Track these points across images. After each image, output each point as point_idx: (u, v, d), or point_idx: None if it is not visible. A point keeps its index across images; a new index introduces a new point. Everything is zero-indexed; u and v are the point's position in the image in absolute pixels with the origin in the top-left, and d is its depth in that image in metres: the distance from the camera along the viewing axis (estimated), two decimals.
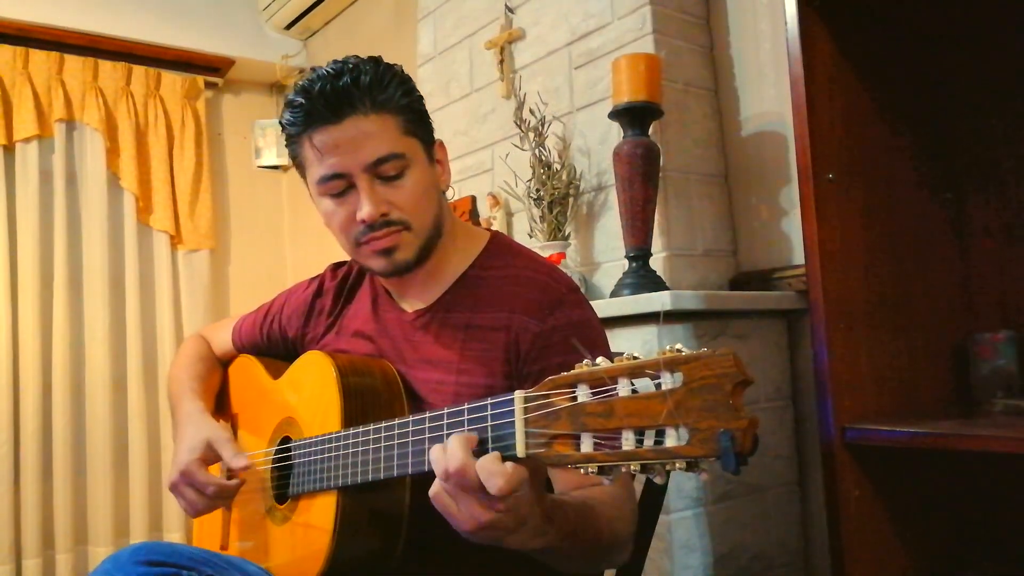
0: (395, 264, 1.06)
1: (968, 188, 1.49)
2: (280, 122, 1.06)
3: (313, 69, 1.02)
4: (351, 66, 1.00)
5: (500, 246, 1.16)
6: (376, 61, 1.03)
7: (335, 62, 1.01)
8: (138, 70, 3.38)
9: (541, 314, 1.03)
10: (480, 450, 0.75)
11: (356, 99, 0.99)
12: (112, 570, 0.95)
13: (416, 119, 1.06)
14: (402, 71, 1.06)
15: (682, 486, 1.65)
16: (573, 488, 0.96)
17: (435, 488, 0.77)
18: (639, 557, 1.15)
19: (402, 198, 1.03)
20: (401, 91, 1.03)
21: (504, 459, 0.72)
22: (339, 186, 1.03)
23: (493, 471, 0.71)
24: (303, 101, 1.00)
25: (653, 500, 1.18)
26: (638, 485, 1.15)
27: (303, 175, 1.09)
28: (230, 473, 1.13)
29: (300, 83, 1.02)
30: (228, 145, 3.77)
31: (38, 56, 3.14)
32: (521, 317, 1.03)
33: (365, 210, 1.01)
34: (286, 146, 1.08)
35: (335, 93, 0.98)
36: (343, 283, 1.26)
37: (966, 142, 1.49)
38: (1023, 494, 1.41)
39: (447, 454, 0.74)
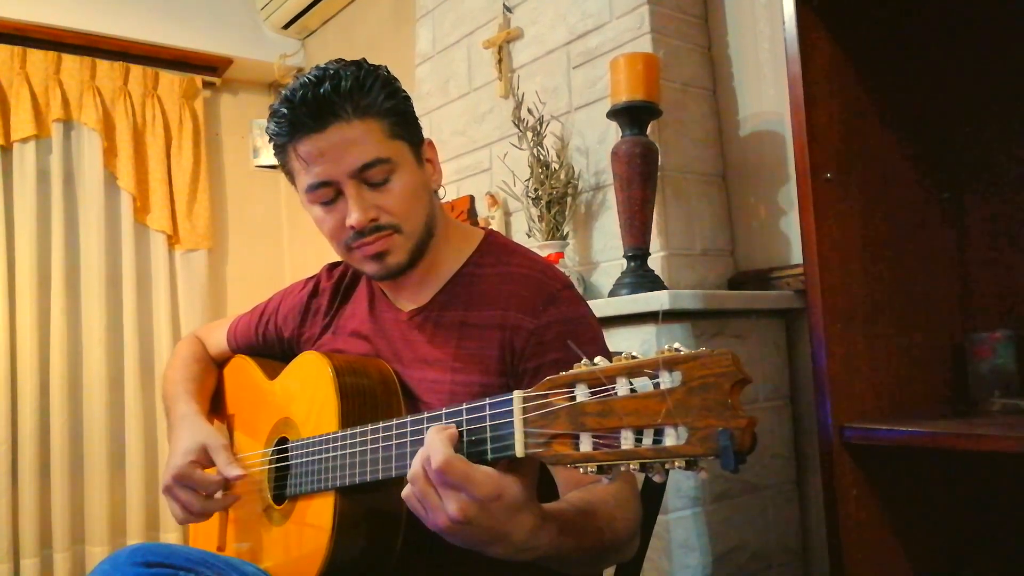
0: (387, 268, 1.06)
1: (966, 187, 1.49)
2: (267, 131, 1.05)
3: (297, 77, 1.02)
4: (332, 72, 0.99)
5: (494, 244, 1.16)
6: (358, 65, 1.02)
7: (317, 68, 1.01)
8: (136, 70, 3.38)
9: (535, 311, 1.02)
10: (475, 451, 0.75)
11: (338, 106, 0.98)
12: (110, 571, 0.95)
13: (402, 121, 1.05)
14: (386, 72, 1.05)
15: (680, 485, 1.65)
16: (574, 486, 0.96)
17: (406, 489, 0.77)
18: (638, 556, 1.15)
19: (391, 202, 1.02)
20: (384, 94, 1.02)
21: (502, 459, 0.72)
22: (327, 194, 1.02)
23: (438, 448, 0.72)
24: (286, 111, 1.00)
25: (652, 499, 1.17)
26: (636, 476, 1.15)
27: (293, 182, 1.08)
28: (223, 477, 1.12)
29: (283, 92, 1.02)
30: (226, 145, 3.77)
31: (35, 56, 3.14)
32: (516, 314, 1.03)
33: (353, 217, 1.00)
34: (275, 155, 1.07)
35: (316, 101, 0.98)
36: (339, 283, 1.26)
37: (964, 142, 1.49)
38: (1021, 493, 1.41)
39: (418, 454, 0.75)
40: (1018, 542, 1.42)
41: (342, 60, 1.03)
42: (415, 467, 0.75)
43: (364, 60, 1.04)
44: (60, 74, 3.19)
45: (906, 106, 1.45)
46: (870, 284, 1.34)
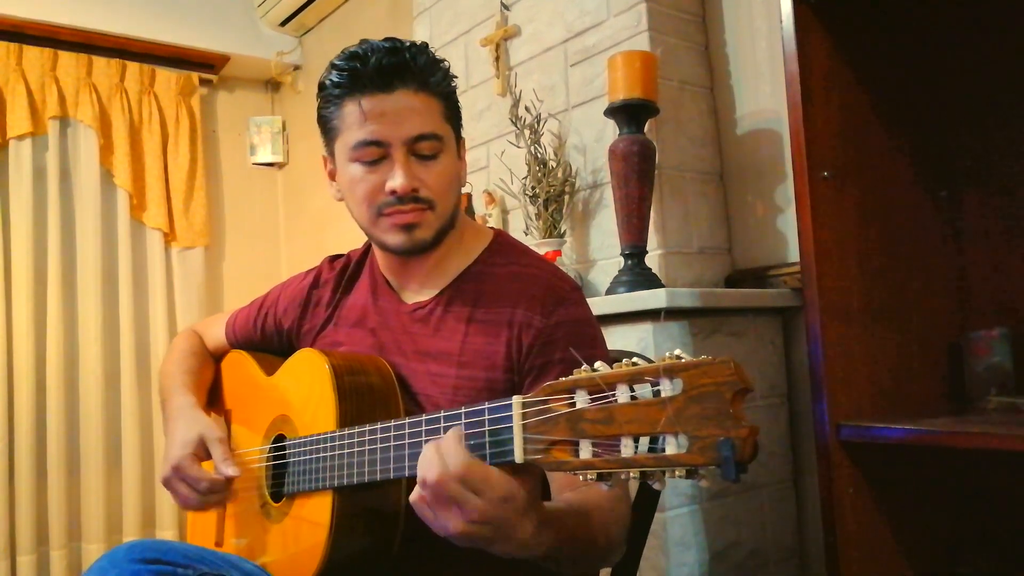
0: (414, 241, 1.06)
1: (963, 186, 1.49)
2: (321, 83, 1.07)
3: (364, 40, 1.05)
4: (408, 44, 1.04)
5: (504, 245, 1.17)
6: (427, 46, 1.07)
7: (389, 38, 1.04)
8: (132, 67, 3.36)
9: (545, 310, 1.04)
10: (475, 456, 0.75)
11: (409, 75, 1.02)
12: (107, 568, 0.95)
13: (454, 110, 1.10)
14: (448, 64, 1.10)
15: (677, 483, 1.64)
16: (569, 487, 0.96)
17: (414, 494, 0.77)
18: (635, 554, 1.15)
19: (433, 178, 1.05)
20: (447, 80, 1.08)
21: (502, 464, 0.73)
22: (374, 154, 1.04)
23: (456, 451, 0.72)
24: (357, 66, 1.02)
25: (649, 498, 1.18)
26: (633, 481, 1.15)
27: (330, 139, 1.09)
28: (219, 474, 1.12)
29: (351, 50, 1.04)
30: (223, 142, 3.75)
31: (32, 52, 3.12)
32: (525, 312, 1.04)
33: (398, 181, 1.02)
34: (321, 108, 1.08)
35: (391, 65, 1.01)
36: (342, 274, 1.26)
37: (961, 140, 1.49)
38: (1017, 491, 1.41)
39: (426, 460, 0.75)
40: (1014, 539, 1.42)
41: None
42: (434, 473, 0.74)
43: (428, 44, 1.08)
44: (56, 71, 3.17)
45: (904, 104, 1.45)
46: (867, 282, 1.34)
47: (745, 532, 1.76)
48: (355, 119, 1.03)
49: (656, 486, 0.61)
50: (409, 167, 1.03)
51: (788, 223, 1.89)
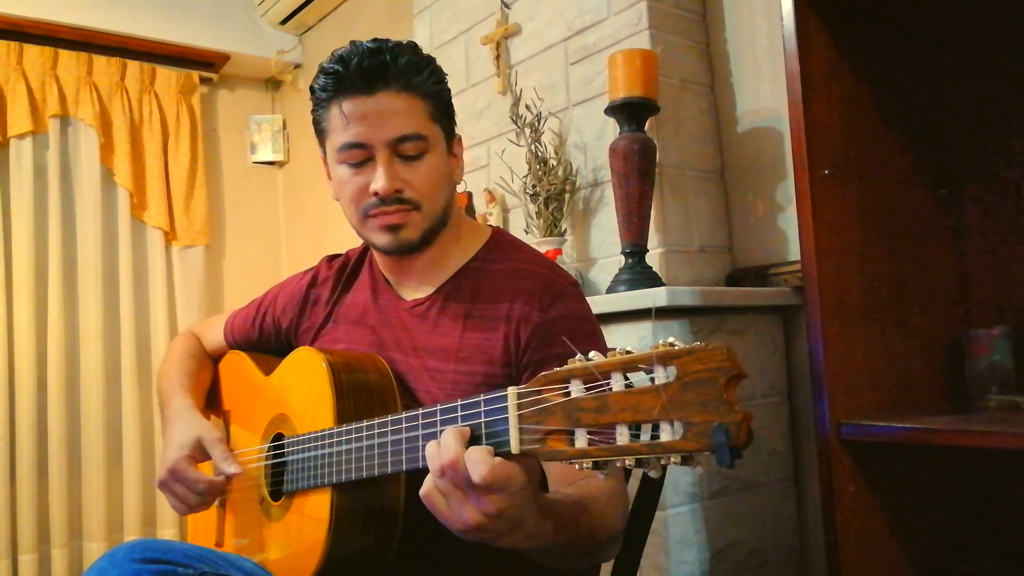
0: (399, 242, 1.07)
1: (964, 183, 1.49)
2: (311, 87, 1.08)
3: (352, 42, 1.06)
4: (391, 45, 1.04)
5: (502, 242, 1.17)
6: (414, 45, 1.07)
7: (375, 40, 1.05)
8: (132, 65, 3.37)
9: (543, 305, 1.04)
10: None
11: (391, 76, 1.02)
12: (108, 567, 0.95)
13: (442, 108, 1.09)
14: (436, 62, 1.10)
15: (678, 482, 1.65)
16: (567, 482, 0.96)
17: (426, 487, 0.76)
18: (635, 552, 1.15)
19: (417, 179, 1.05)
20: (433, 79, 1.07)
21: (498, 455, 0.72)
22: (359, 156, 1.04)
23: (479, 459, 0.70)
24: (340, 69, 1.03)
25: (649, 495, 1.17)
26: (634, 480, 1.15)
27: (322, 141, 1.11)
28: (219, 473, 1.12)
29: (338, 53, 1.05)
30: (223, 141, 3.76)
31: (32, 51, 3.13)
32: (523, 307, 1.05)
33: (380, 183, 1.03)
34: (312, 111, 1.10)
35: (372, 67, 1.02)
36: (340, 272, 1.26)
37: (962, 138, 1.49)
38: (1017, 489, 1.41)
39: (441, 448, 0.74)
40: (1015, 538, 1.42)
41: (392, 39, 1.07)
42: (449, 455, 0.73)
43: (416, 43, 1.08)
44: (57, 69, 3.18)
45: (904, 102, 1.45)
46: (868, 280, 1.34)
47: (746, 530, 1.76)
48: (339, 122, 1.04)
49: (652, 474, 0.61)
50: (392, 168, 1.04)
51: (789, 221, 1.88)
